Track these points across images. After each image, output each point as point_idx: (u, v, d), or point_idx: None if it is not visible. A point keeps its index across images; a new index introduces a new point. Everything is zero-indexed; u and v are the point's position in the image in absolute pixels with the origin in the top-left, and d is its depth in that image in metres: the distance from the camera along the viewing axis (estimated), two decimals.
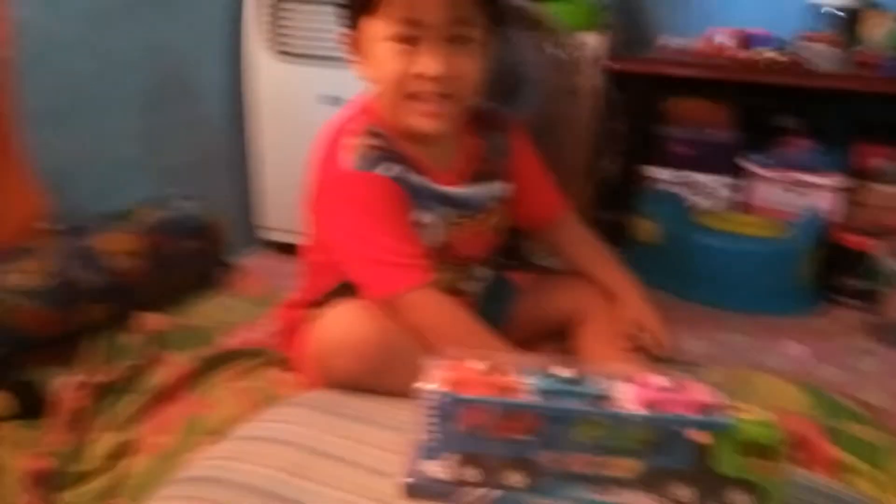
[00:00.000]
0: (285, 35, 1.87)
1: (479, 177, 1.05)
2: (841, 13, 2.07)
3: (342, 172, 0.96)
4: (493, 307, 1.13)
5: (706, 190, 2.17)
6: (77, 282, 1.18)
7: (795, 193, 2.05)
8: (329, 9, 1.66)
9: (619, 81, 2.04)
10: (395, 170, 0.96)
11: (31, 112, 1.34)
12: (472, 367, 0.75)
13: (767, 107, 2.23)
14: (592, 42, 1.95)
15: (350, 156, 0.95)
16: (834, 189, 2.00)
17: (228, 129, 1.98)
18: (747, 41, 2.17)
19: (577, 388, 0.74)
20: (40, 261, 1.16)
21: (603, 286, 1.12)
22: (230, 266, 1.55)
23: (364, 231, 0.96)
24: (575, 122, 1.71)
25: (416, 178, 0.98)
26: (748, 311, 1.80)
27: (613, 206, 2.08)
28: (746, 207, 2.14)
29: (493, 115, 1.09)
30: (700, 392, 0.73)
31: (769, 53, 2.04)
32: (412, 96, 0.93)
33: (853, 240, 1.85)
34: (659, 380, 0.75)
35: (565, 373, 0.75)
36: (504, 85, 1.58)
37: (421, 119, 0.94)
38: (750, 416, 0.72)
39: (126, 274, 1.26)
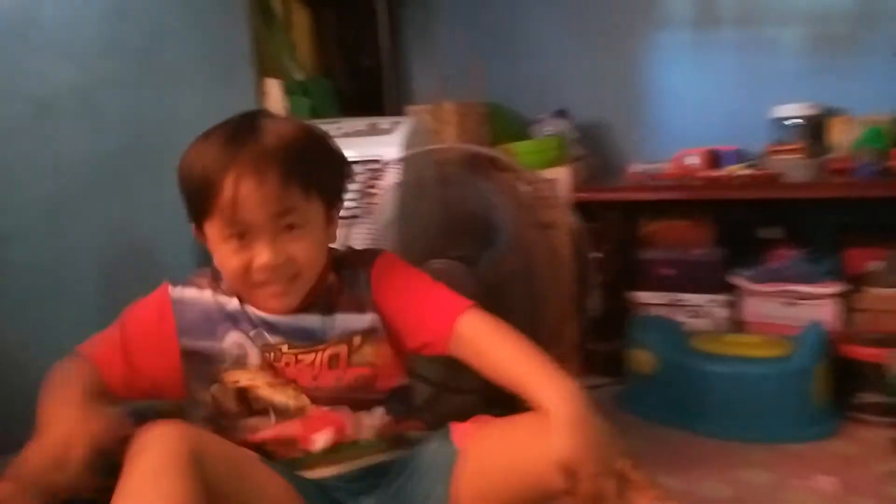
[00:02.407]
0: None
1: (319, 308, 1.02)
2: (806, 122, 2.09)
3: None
4: (427, 480, 0.94)
5: (698, 310, 2.09)
6: None
7: (791, 306, 1.97)
8: None
9: (595, 211, 2.01)
10: (201, 293, 1.02)
11: None
12: None
13: (747, 220, 2.20)
14: (564, 176, 1.93)
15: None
16: (831, 297, 1.92)
17: None
18: (717, 159, 2.18)
19: None
20: None
21: (530, 401, 0.88)
22: None
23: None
24: (555, 257, 1.66)
25: (227, 300, 1.02)
26: (764, 441, 1.65)
27: (605, 337, 1.99)
28: (742, 325, 2.05)
29: (351, 253, 1.11)
30: None
31: (741, 171, 2.03)
32: (258, 285, 0.98)
33: (862, 351, 1.74)
34: None
35: None
36: (477, 231, 1.54)
37: (270, 301, 0.99)
38: None
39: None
